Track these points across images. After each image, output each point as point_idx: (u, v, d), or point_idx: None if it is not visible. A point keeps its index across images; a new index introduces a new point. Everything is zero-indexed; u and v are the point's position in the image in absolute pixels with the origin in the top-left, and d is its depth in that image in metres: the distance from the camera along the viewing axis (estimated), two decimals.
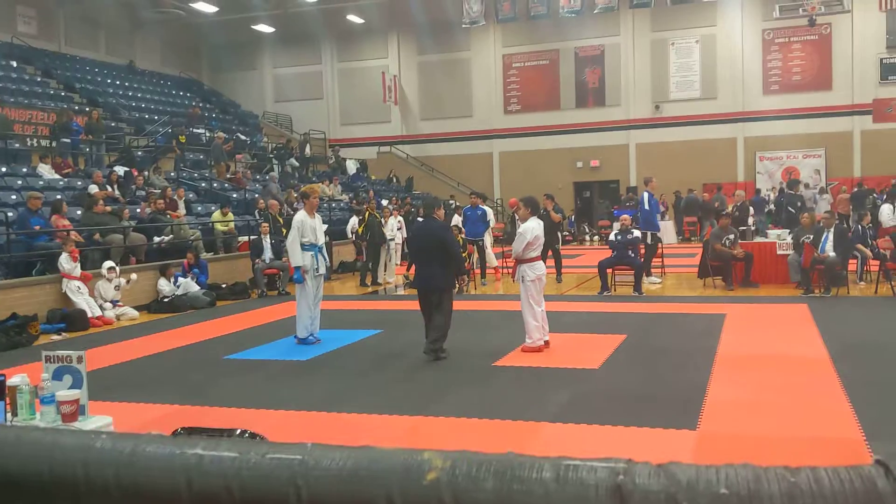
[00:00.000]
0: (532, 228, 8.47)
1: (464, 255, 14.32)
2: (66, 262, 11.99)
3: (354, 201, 22.40)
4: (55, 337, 10.87)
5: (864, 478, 0.54)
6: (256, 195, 20.32)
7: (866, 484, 0.53)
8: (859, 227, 14.09)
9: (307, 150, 28.51)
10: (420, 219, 17.73)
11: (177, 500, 0.67)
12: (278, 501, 0.64)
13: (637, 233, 14.00)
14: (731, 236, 13.53)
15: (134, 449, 0.72)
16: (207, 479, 0.67)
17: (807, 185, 26.27)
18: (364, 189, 25.65)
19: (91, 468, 0.71)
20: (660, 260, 14.97)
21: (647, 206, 14.68)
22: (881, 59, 27.11)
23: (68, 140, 18.68)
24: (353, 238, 18.21)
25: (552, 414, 6.15)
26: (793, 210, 19.74)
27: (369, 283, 16.41)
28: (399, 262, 18.03)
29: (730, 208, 17.04)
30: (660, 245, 15.02)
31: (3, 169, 15.98)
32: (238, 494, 0.66)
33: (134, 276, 13.09)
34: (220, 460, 0.68)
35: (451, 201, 28.64)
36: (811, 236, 12.64)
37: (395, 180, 30.69)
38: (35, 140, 19.12)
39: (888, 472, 0.54)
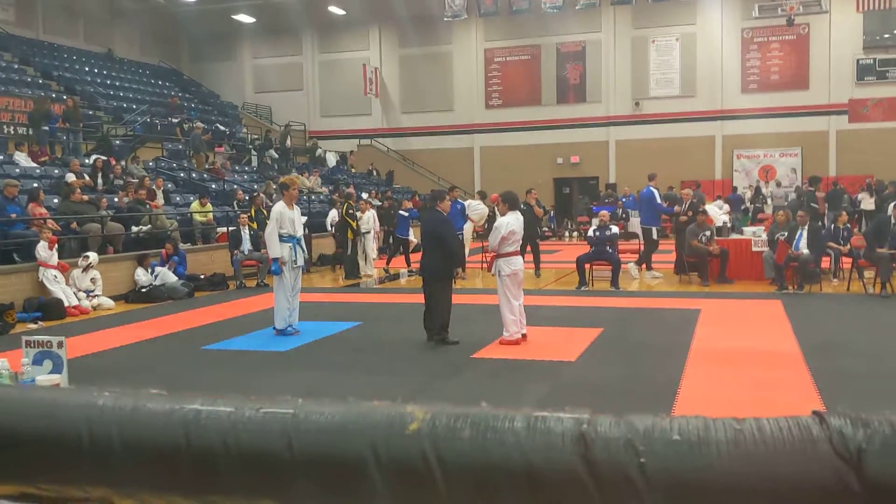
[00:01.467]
0: (508, 223, 8.54)
1: None
2: (43, 250, 11.90)
3: (336, 194, 22.37)
4: (31, 325, 10.81)
5: (801, 426, 0.60)
6: (235, 186, 20.25)
7: (803, 431, 0.59)
8: (832, 225, 14.30)
9: (288, 141, 28.40)
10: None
11: (177, 454, 0.72)
12: (272, 453, 0.69)
13: (615, 229, 14.13)
14: (707, 233, 13.69)
15: (135, 405, 0.77)
16: (205, 433, 0.72)
17: (779, 184, 26.60)
18: (344, 182, 25.61)
19: (94, 424, 0.76)
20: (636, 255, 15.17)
21: (658, 201, 14.95)
22: (857, 60, 27.47)
23: (46, 128, 18.49)
24: (334, 231, 18.20)
25: (529, 405, 6.21)
26: (815, 206, 19.88)
27: (358, 274, 16.46)
28: (377, 256, 18.05)
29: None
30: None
31: None
32: (234, 448, 0.70)
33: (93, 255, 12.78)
34: (217, 415, 0.73)
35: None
36: (786, 233, 12.83)
37: (374, 173, 30.65)
38: (11, 128, 18.93)
39: (822, 421, 0.60)
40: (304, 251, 9.85)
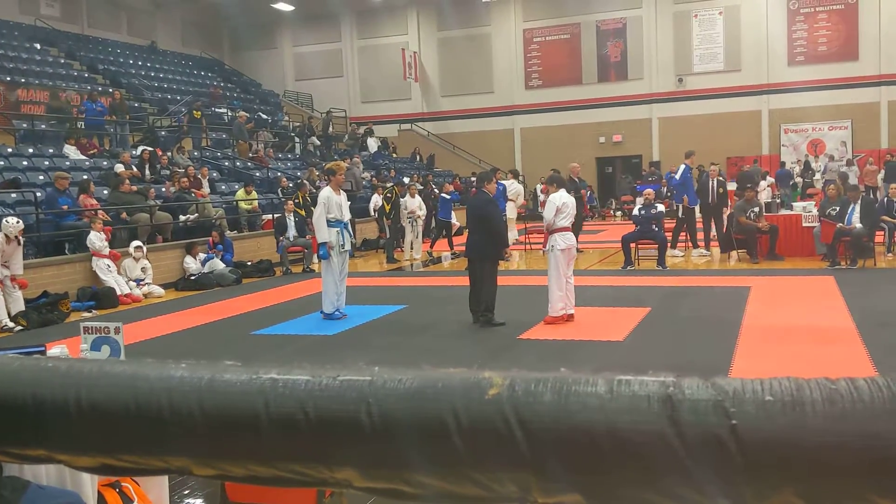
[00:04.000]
0: (560, 196, 8.61)
1: None
2: (96, 239, 12.16)
3: (375, 179, 22.45)
4: (86, 314, 11.07)
5: None
6: (279, 173, 20.44)
7: None
8: (886, 198, 13.91)
9: (330, 128, 28.54)
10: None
11: (256, 421, 0.72)
12: (352, 419, 0.69)
13: (660, 207, 13.95)
14: (756, 209, 13.44)
15: (212, 377, 0.77)
16: (284, 401, 0.72)
17: (832, 158, 25.95)
18: (386, 167, 25.67)
19: (174, 396, 0.77)
20: (685, 234, 14.99)
21: (677, 178, 14.75)
22: None
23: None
24: (377, 215, 18.30)
25: None
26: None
27: (398, 259, 16.53)
28: (423, 239, 18.06)
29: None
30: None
31: (31, 150, 16.18)
32: (313, 414, 0.71)
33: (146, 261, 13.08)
34: (294, 383, 0.73)
35: (472, 179, 28.62)
36: (837, 208, 12.53)
37: (418, 158, 30.66)
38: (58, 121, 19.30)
39: None
40: (350, 235, 9.92)
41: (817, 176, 24.91)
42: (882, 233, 13.14)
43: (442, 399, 0.67)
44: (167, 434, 0.76)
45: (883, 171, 22.22)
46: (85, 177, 14.50)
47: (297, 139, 26.60)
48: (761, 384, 0.61)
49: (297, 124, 28.91)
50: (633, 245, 13.36)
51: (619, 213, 27.20)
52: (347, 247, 9.71)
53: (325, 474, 0.72)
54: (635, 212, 13.91)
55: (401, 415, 0.67)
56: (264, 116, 27.23)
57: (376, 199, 18.48)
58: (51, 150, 16.63)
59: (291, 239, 15.36)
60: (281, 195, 18.20)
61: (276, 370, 0.74)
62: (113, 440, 0.79)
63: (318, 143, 27.13)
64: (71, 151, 16.89)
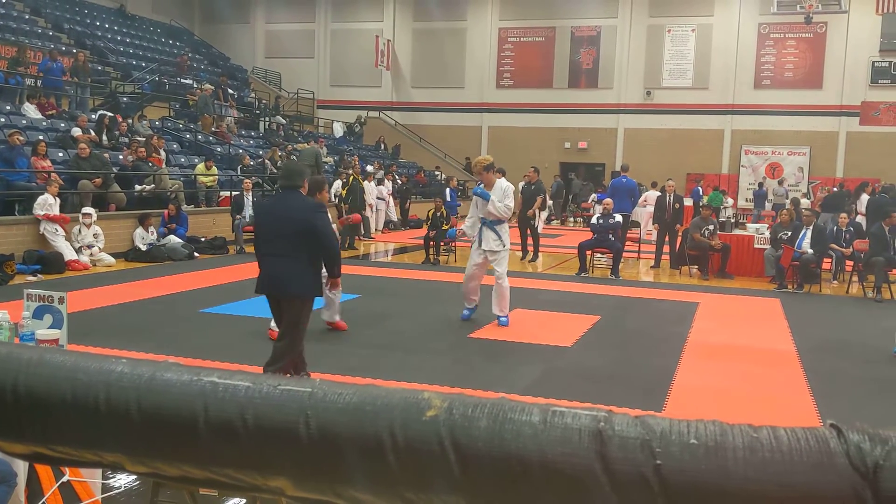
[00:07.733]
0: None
1: (446, 227, 14.39)
2: (45, 202, 11.89)
3: (342, 165, 22.30)
4: (31, 278, 10.83)
5: (818, 437, 0.61)
6: (241, 150, 20.18)
7: (820, 443, 0.60)
8: (835, 227, 14.26)
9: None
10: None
11: (194, 423, 0.73)
12: (290, 429, 0.69)
13: (618, 217, 14.10)
14: (711, 227, 13.67)
15: (153, 375, 0.77)
16: (223, 405, 0.72)
17: (781, 182, 26.54)
18: (350, 153, 25.51)
19: (112, 391, 0.76)
20: (637, 245, 15.21)
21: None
22: (873, 62, 27.30)
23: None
24: (337, 202, 18.16)
25: (522, 387, 6.26)
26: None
27: (346, 247, 16.41)
28: (381, 230, 18.00)
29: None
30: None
31: None
32: (252, 421, 0.71)
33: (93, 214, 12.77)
34: (235, 389, 0.73)
35: (436, 172, 28.59)
36: (789, 233, 12.81)
37: (383, 146, 30.54)
38: (19, 77, 18.77)
39: (840, 433, 0.61)
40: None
41: (770, 196, 25.51)
42: (830, 260, 13.47)
43: (380, 416, 0.68)
44: (102, 428, 0.76)
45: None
46: (40, 137, 14.15)
47: (262, 117, 26.23)
48: (687, 426, 0.63)
49: (265, 101, 28.58)
50: (588, 252, 13.51)
51: (579, 220, 27.10)
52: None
53: (258, 481, 0.72)
54: (593, 220, 14.05)
55: (338, 429, 0.68)
56: (231, 92, 26.85)
57: (337, 185, 18.35)
58: (8, 107, 16.18)
59: (248, 218, 15.17)
60: (240, 173, 17.95)
61: (217, 374, 0.74)
62: (48, 430, 0.78)
63: (283, 121, 26.84)
64: (30, 110, 16.46)
